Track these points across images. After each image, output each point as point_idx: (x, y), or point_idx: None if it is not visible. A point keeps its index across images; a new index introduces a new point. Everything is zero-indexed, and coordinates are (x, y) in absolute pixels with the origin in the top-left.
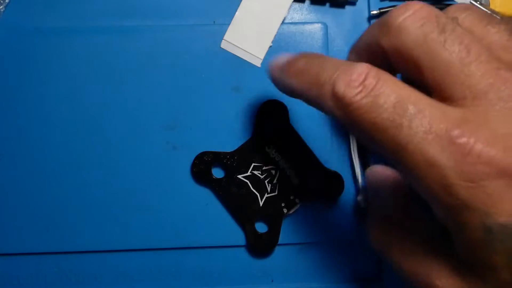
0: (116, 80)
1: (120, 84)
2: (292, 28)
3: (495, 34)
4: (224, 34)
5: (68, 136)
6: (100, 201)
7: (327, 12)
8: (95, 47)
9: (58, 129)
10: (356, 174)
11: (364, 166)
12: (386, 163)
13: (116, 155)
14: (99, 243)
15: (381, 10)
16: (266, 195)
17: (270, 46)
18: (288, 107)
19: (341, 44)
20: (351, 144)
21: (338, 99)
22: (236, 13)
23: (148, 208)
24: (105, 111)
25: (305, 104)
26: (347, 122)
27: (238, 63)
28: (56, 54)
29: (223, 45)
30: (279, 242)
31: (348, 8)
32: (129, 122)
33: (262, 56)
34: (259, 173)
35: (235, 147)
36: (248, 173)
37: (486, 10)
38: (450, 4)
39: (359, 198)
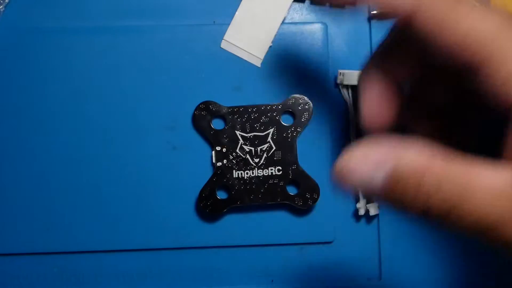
0: (116, 80)
1: (120, 84)
2: (292, 28)
3: None
4: (224, 34)
5: (68, 136)
6: (100, 201)
7: (327, 12)
8: (95, 47)
9: (58, 129)
10: None
11: None
12: None
13: (116, 155)
14: (99, 243)
15: (381, 10)
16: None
17: (270, 46)
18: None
19: (341, 44)
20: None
21: None
22: (236, 13)
23: (148, 208)
24: (105, 111)
25: None
26: None
27: (238, 63)
28: (56, 54)
29: (223, 45)
30: (279, 242)
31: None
32: (129, 122)
33: (262, 56)
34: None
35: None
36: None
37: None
38: None
39: (358, 205)
